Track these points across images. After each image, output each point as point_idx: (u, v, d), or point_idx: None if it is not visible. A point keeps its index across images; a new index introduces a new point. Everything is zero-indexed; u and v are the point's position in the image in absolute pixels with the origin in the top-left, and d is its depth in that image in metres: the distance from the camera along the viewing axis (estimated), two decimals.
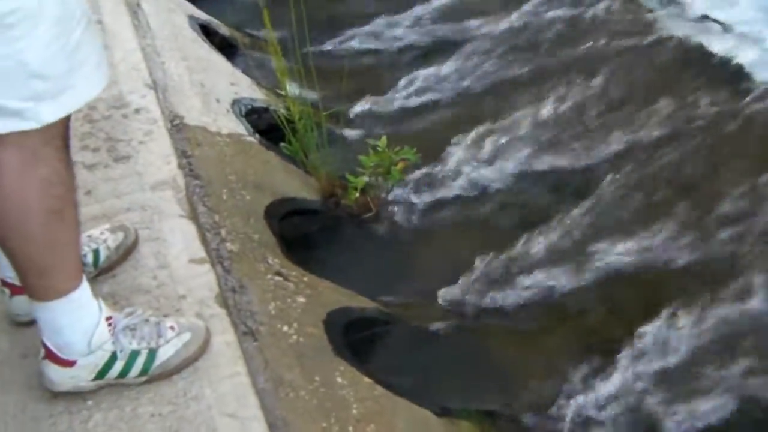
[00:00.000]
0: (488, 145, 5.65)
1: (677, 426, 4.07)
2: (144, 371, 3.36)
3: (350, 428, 3.56)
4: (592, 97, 6.00)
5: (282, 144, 5.40)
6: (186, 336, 3.44)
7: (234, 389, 3.37)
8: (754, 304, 4.48)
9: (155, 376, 3.39)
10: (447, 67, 6.50)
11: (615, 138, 5.62)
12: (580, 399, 4.19)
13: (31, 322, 3.42)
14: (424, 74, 6.42)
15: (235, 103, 5.60)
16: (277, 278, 4.12)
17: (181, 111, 4.92)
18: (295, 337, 3.81)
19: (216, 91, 5.54)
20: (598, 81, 6.12)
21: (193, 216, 4.13)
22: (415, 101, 6.24)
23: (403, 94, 6.29)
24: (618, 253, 4.85)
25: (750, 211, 4.94)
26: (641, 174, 5.32)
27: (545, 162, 5.54)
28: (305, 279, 4.30)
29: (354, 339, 4.19)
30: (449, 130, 5.89)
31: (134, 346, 3.31)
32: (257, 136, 5.37)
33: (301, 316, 3.97)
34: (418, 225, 5.24)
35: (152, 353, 3.36)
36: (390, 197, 5.34)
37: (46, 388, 3.30)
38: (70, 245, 3.03)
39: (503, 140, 5.68)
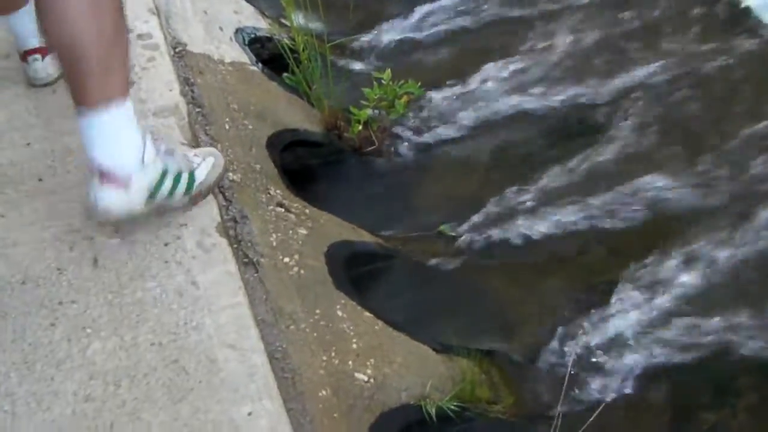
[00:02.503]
0: (495, 82, 5.60)
1: (677, 367, 4.07)
2: (188, 189, 3.63)
3: (350, 362, 3.55)
4: (599, 36, 5.95)
5: (285, 74, 5.35)
6: (211, 159, 3.79)
7: (235, 320, 3.35)
8: (756, 247, 4.46)
9: (194, 196, 3.71)
10: (455, 1, 6.41)
11: (620, 79, 5.58)
12: (581, 339, 4.19)
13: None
14: (432, 7, 6.33)
15: (239, 31, 5.53)
16: (279, 209, 4.09)
17: (184, 38, 4.85)
18: (296, 269, 3.79)
19: (219, 18, 5.46)
20: (604, 20, 6.06)
21: (195, 144, 4.09)
22: (421, 35, 6.16)
23: (409, 28, 6.21)
24: (620, 194, 4.83)
25: (754, 155, 4.91)
26: (645, 115, 5.28)
27: (551, 100, 5.48)
28: (307, 211, 4.27)
29: (355, 272, 4.17)
30: (455, 65, 5.84)
31: (177, 167, 3.57)
32: (260, 65, 5.31)
33: (303, 248, 3.95)
34: (421, 160, 5.20)
35: (192, 174, 3.65)
36: (393, 131, 5.29)
37: (102, 217, 3.52)
38: (127, 41, 3.30)
39: (510, 77, 5.63)
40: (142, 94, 4.34)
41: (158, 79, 4.46)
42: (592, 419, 3.53)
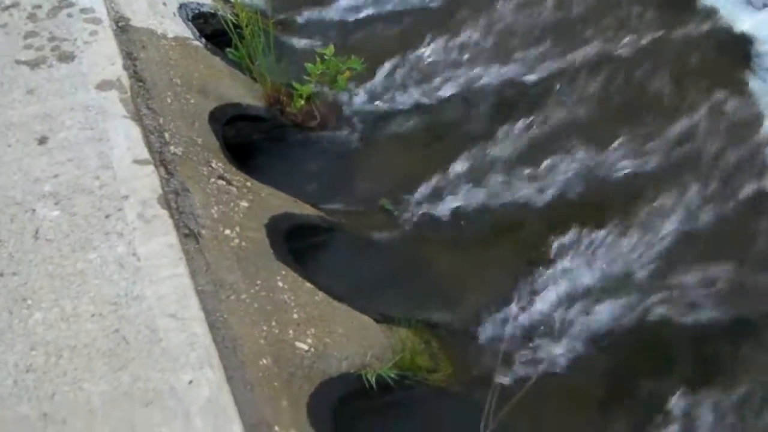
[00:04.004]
0: (437, 58, 5.63)
1: (614, 336, 4.13)
2: None
3: (290, 331, 3.59)
4: (542, 14, 5.98)
5: (228, 49, 5.37)
6: None
7: (175, 290, 3.38)
8: (689, 220, 4.53)
9: None
10: None
11: (560, 57, 5.62)
12: (519, 310, 4.24)
13: None
14: None
15: (182, 6, 5.53)
16: (221, 182, 4.12)
17: (127, 12, 4.86)
18: (237, 240, 3.82)
19: None
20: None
21: (138, 117, 4.10)
22: (364, 12, 6.19)
23: (352, 5, 6.23)
24: (561, 168, 4.87)
25: (689, 129, 4.97)
26: (586, 91, 5.33)
27: (494, 75, 5.53)
28: (248, 184, 4.30)
29: (297, 245, 4.20)
30: (397, 42, 5.86)
31: None
32: (203, 40, 5.32)
33: (244, 220, 3.98)
34: (363, 135, 5.24)
35: None
36: (335, 106, 5.32)
37: None
38: None
39: (453, 53, 5.66)
40: (84, 67, 4.35)
41: (100, 53, 4.46)
42: (528, 386, 3.57)
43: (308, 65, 5.17)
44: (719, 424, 3.85)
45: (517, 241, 4.65)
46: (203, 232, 3.69)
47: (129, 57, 4.50)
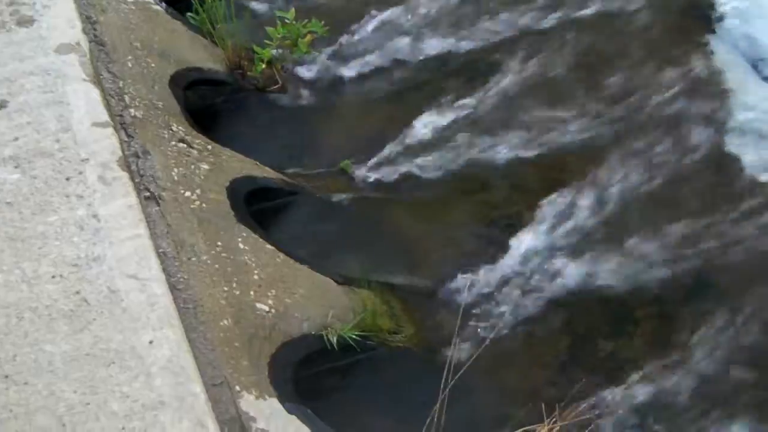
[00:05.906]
0: (398, 22, 5.62)
1: (575, 298, 4.17)
2: None
3: (251, 293, 3.61)
4: None
5: (189, 14, 5.35)
6: None
7: (135, 251, 3.39)
8: (652, 180, 4.57)
9: None
10: None
11: (523, 20, 5.62)
12: (481, 271, 4.27)
13: None
14: None
15: None
16: (181, 145, 4.13)
17: None
18: (198, 202, 3.84)
19: None
20: None
21: (97, 81, 4.10)
22: None
23: None
24: (520, 130, 4.90)
25: (643, 94, 5.00)
26: (547, 54, 5.35)
27: (453, 41, 5.53)
28: (209, 147, 4.31)
29: (258, 207, 4.22)
30: (358, 5, 5.85)
31: None
32: (164, 5, 5.30)
33: (205, 182, 4.00)
34: (324, 98, 5.24)
35: None
36: (297, 70, 5.32)
37: None
38: None
39: (412, 18, 5.66)
40: (43, 31, 4.33)
41: (60, 17, 4.45)
42: (486, 344, 3.59)
43: (269, 29, 5.17)
44: (678, 382, 3.90)
45: (477, 202, 4.68)
46: (164, 194, 3.70)
47: (88, 21, 4.49)
